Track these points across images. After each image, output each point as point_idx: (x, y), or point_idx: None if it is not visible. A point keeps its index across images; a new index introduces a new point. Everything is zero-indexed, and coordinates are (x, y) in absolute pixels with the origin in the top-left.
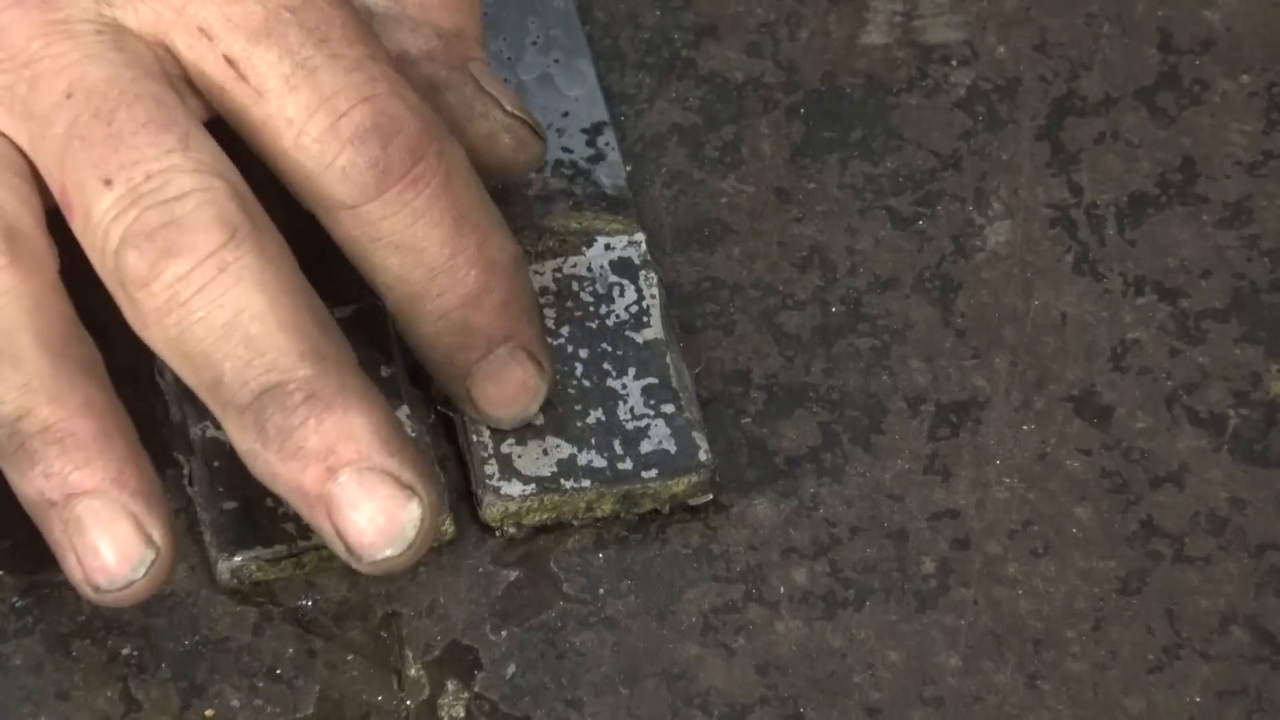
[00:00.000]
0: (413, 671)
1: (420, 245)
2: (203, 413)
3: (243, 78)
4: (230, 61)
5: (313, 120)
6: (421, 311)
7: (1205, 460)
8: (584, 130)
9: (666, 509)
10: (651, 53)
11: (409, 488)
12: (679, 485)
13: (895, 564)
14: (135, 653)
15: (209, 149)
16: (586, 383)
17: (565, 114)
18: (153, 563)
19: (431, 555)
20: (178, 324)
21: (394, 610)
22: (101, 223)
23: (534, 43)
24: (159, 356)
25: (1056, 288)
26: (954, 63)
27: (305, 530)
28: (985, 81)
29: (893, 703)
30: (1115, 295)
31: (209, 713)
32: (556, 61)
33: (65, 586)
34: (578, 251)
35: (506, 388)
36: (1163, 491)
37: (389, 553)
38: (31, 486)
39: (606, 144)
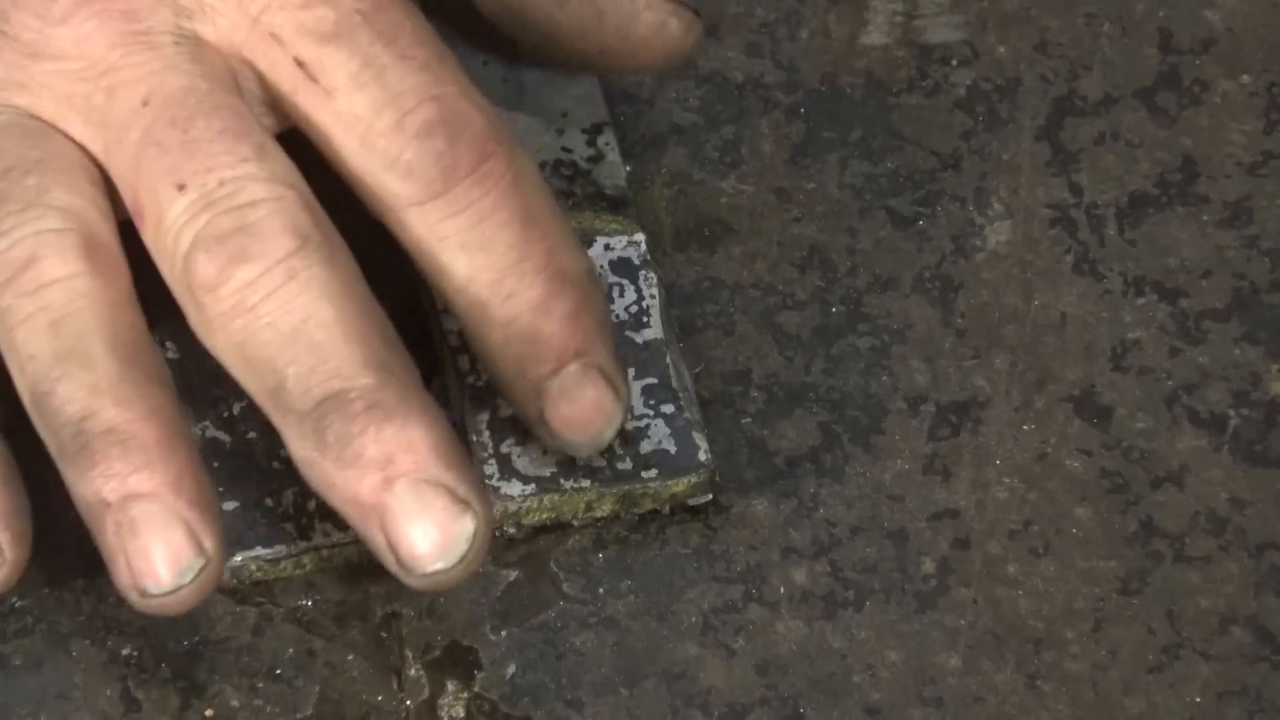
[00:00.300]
0: (413, 671)
1: (487, 246)
2: (201, 413)
3: (312, 79)
4: (300, 64)
5: (379, 117)
6: (490, 317)
7: (1205, 460)
8: (584, 130)
9: (666, 509)
10: None
11: (464, 502)
12: (679, 485)
13: (895, 564)
14: (135, 653)
15: (282, 160)
16: None
17: (565, 114)
18: (201, 570)
19: None
20: (243, 329)
21: (394, 610)
22: (173, 227)
23: None
24: (221, 362)
25: (1056, 288)
26: (954, 63)
27: (305, 530)
28: (985, 81)
29: (893, 703)
30: (1115, 295)
31: (209, 713)
32: None
33: (65, 587)
34: None
35: (581, 408)
36: (1163, 491)
37: (440, 566)
38: (89, 487)
39: (606, 144)
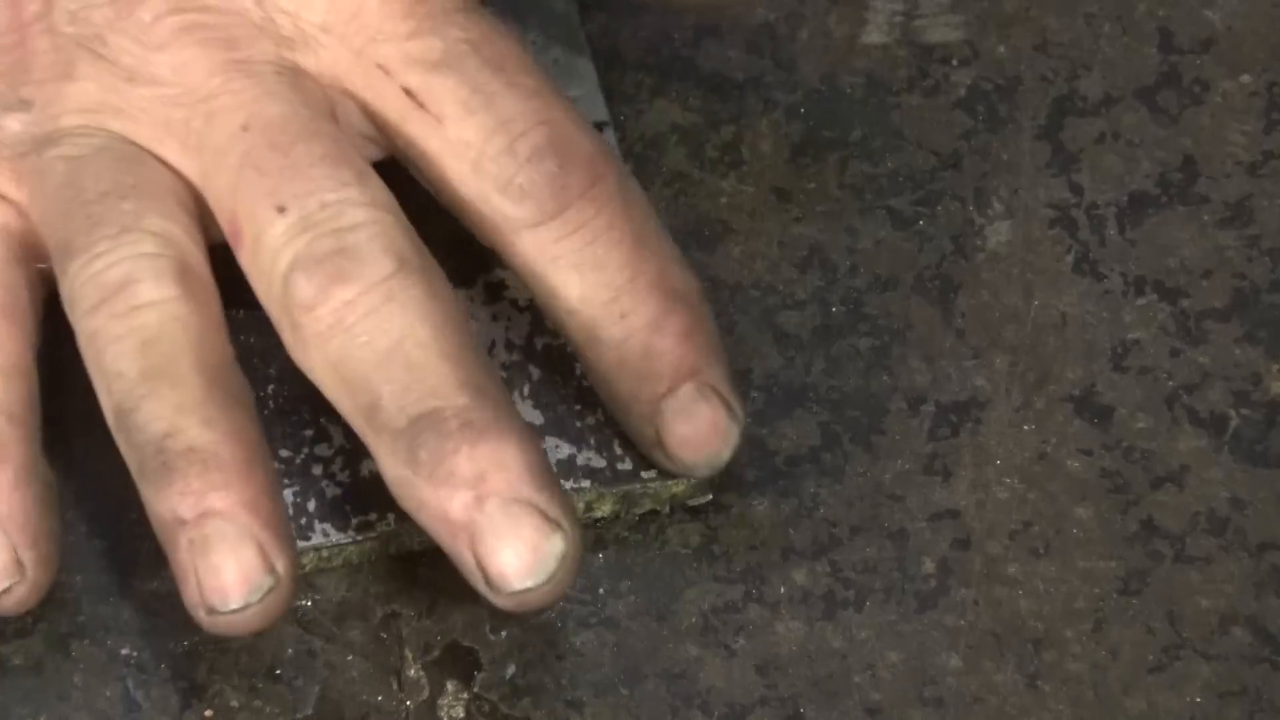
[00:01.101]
0: (413, 671)
1: (601, 265)
2: None
3: (421, 106)
4: (409, 92)
5: (490, 142)
6: (605, 336)
7: (1206, 460)
8: None
9: (666, 509)
10: (651, 53)
11: (554, 522)
12: (678, 486)
13: (895, 564)
14: (135, 653)
15: (380, 187)
16: (586, 383)
17: None
18: (270, 590)
19: (431, 555)
20: (340, 348)
21: (394, 610)
22: (272, 248)
23: (534, 42)
24: (315, 381)
25: (1056, 288)
26: (954, 63)
27: (304, 531)
28: (985, 81)
29: (893, 703)
30: (1115, 295)
31: (209, 713)
32: (556, 61)
33: (65, 586)
34: None
35: (698, 426)
36: (1163, 491)
37: (529, 584)
38: (166, 504)
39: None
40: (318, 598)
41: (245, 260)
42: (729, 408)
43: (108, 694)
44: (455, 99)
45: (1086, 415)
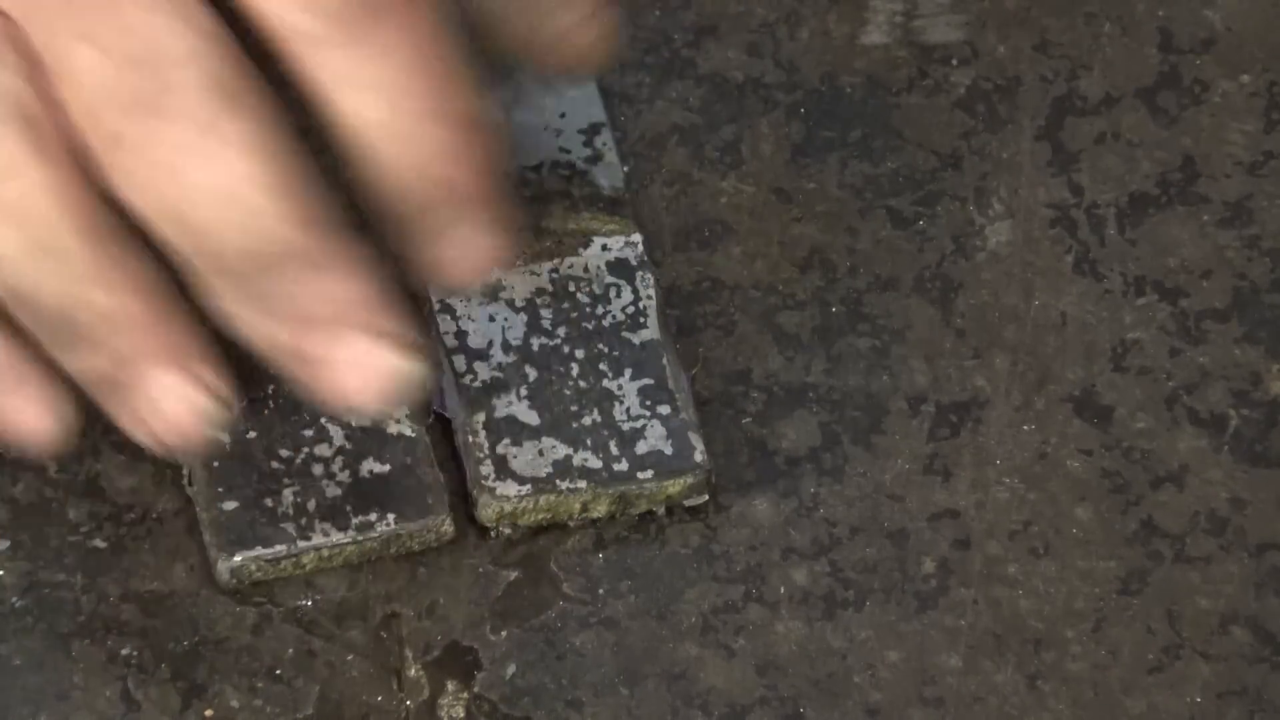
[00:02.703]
0: (413, 671)
1: (393, 87)
2: None
3: None
4: None
5: None
6: (390, 162)
7: (1205, 460)
8: (581, 131)
9: (663, 510)
10: (651, 53)
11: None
12: (674, 486)
13: (895, 564)
14: (135, 653)
15: (207, 13)
16: (583, 383)
17: (563, 114)
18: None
19: (431, 555)
20: (175, 190)
21: (394, 610)
22: (94, 88)
23: None
24: (144, 219)
25: (1056, 288)
26: (954, 63)
27: (305, 530)
28: (985, 81)
29: (893, 703)
30: (1115, 295)
31: (209, 713)
32: None
33: (65, 586)
34: (574, 252)
35: (473, 253)
36: (1163, 491)
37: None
38: (89, 365)
39: (604, 144)
40: (318, 598)
41: (67, 97)
42: (506, 237)
43: (108, 694)
44: None
45: (1086, 415)
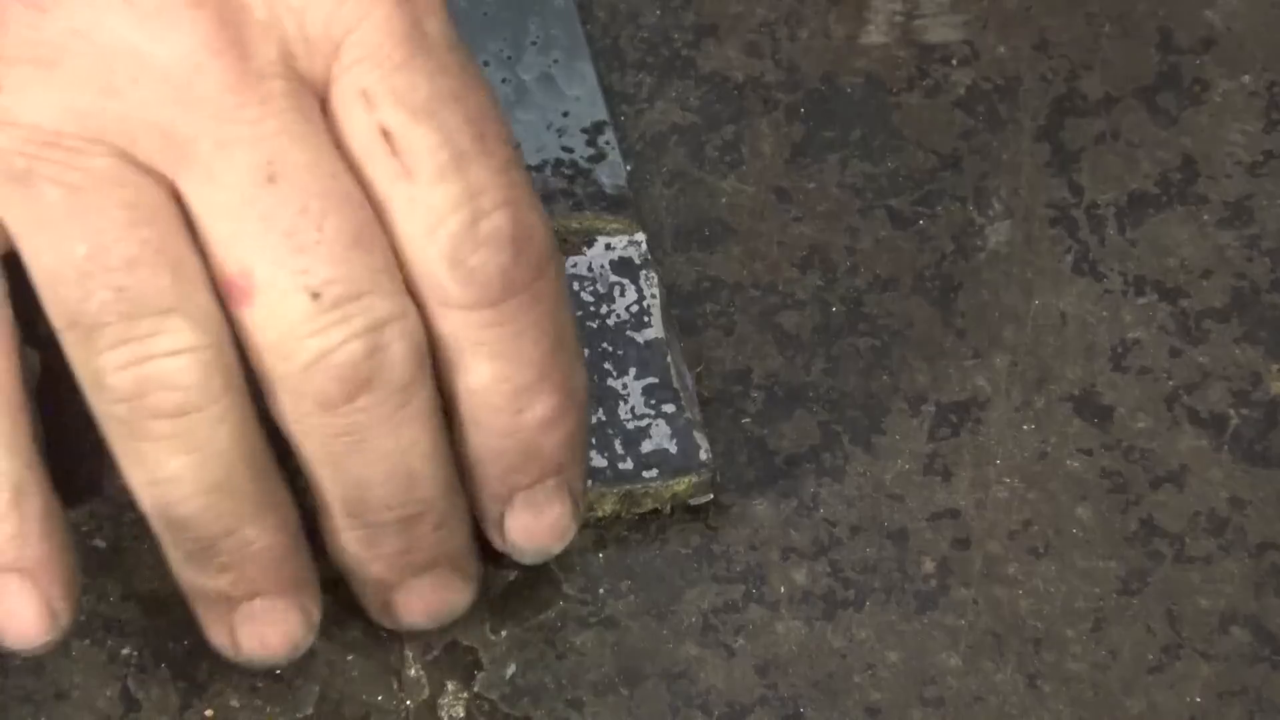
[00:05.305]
0: (413, 671)
1: (517, 359)
2: None
3: (395, 153)
4: (385, 133)
5: (455, 214)
6: (495, 425)
7: (1205, 460)
8: (584, 130)
9: (667, 509)
10: (651, 53)
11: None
12: (680, 485)
13: (895, 564)
14: (135, 653)
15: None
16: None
17: (565, 114)
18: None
19: None
20: (346, 447)
21: None
22: (295, 332)
23: (534, 43)
24: (298, 452)
25: (1056, 288)
26: (954, 62)
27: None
28: (985, 81)
29: (893, 703)
30: (1115, 295)
31: (209, 713)
32: (556, 61)
33: None
34: (578, 251)
35: (542, 521)
36: (1163, 491)
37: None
38: (212, 584)
39: (607, 144)
40: None
41: (245, 316)
42: (575, 507)
43: (108, 694)
44: (432, 160)
45: (1086, 415)
